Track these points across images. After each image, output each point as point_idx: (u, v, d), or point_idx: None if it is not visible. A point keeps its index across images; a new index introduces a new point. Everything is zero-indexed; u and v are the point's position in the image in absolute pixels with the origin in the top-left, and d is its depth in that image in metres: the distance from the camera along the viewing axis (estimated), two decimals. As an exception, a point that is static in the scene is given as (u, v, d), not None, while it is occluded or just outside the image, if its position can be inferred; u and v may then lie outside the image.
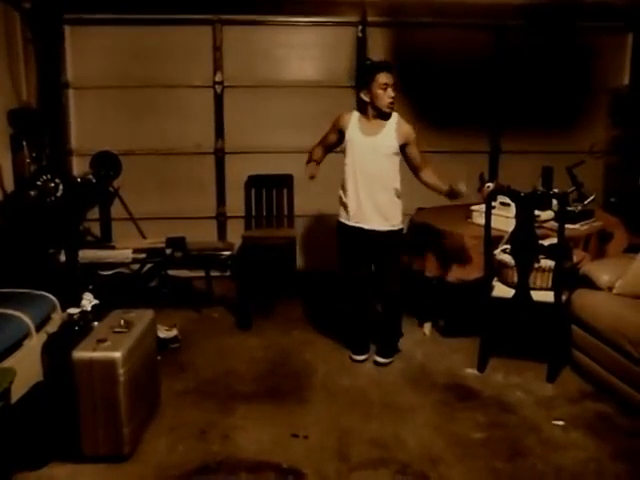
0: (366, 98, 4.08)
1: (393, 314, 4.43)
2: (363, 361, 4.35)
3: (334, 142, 4.27)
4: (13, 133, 5.17)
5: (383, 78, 4.02)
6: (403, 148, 4.13)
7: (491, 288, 4.19)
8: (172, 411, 3.70)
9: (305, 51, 6.18)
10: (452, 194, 4.14)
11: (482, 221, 4.23)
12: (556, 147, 6.20)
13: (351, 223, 4.19)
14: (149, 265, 5.16)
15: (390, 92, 4.05)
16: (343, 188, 4.21)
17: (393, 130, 4.09)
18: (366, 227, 4.15)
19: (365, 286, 4.34)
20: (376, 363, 4.33)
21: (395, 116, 4.13)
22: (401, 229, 4.25)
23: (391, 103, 4.06)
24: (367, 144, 4.08)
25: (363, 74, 4.18)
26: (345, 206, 4.21)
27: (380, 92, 4.02)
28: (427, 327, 4.92)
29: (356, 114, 4.18)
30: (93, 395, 3.10)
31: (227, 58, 6.10)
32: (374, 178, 4.10)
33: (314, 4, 5.99)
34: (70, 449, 3.15)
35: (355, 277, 4.32)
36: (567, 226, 4.10)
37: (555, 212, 4.49)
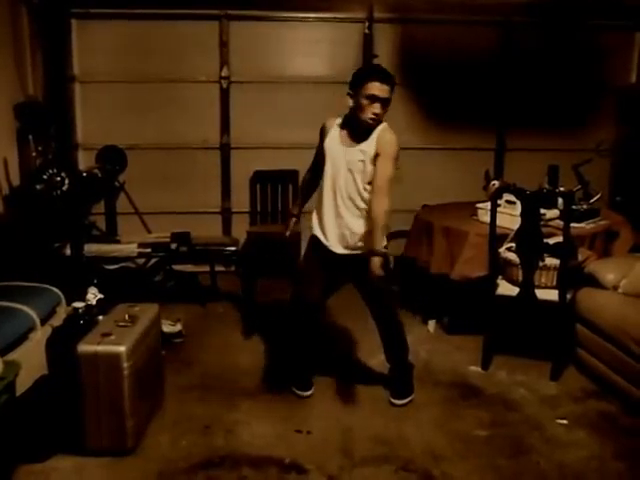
0: (349, 103, 3.45)
1: (393, 344, 3.85)
2: (309, 396, 3.87)
3: (320, 156, 3.63)
4: (19, 127, 5.18)
5: (373, 88, 3.34)
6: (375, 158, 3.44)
7: (496, 286, 4.18)
8: (176, 405, 3.71)
9: (312, 47, 6.17)
10: (371, 254, 3.32)
11: (487, 219, 4.23)
12: (562, 145, 6.19)
13: (323, 240, 3.63)
14: (154, 259, 5.17)
15: (376, 107, 3.37)
16: (317, 202, 3.67)
17: (373, 140, 3.43)
18: (337, 251, 3.60)
19: (315, 314, 3.82)
20: (393, 405, 3.78)
21: (381, 126, 3.48)
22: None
23: (372, 119, 3.39)
24: (341, 155, 3.49)
25: (355, 77, 3.47)
26: (318, 221, 3.66)
27: (365, 103, 3.36)
28: (431, 324, 4.92)
29: (338, 119, 3.57)
30: (97, 389, 3.10)
31: (233, 53, 6.10)
32: (345, 193, 3.50)
33: (321, 0, 5.99)
34: (74, 442, 3.16)
35: (306, 301, 3.74)
36: (573, 225, 4.09)
37: (561, 210, 4.48)
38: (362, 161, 3.45)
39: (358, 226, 3.54)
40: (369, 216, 3.46)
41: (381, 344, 3.88)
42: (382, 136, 3.45)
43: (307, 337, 3.93)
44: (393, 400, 3.80)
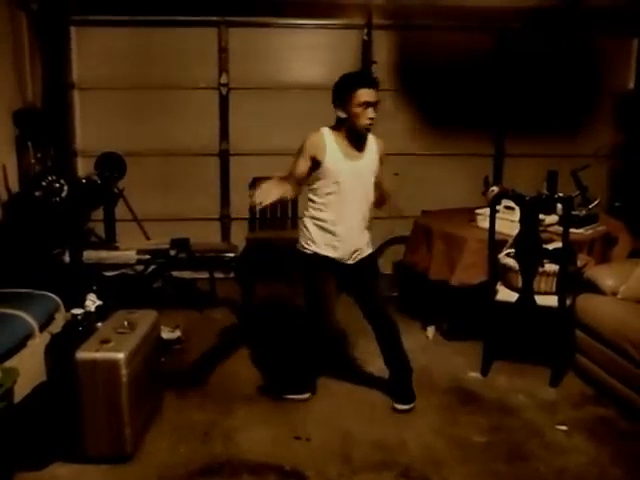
0: (342, 115, 3.45)
1: (392, 347, 3.84)
2: (307, 399, 3.91)
3: (306, 174, 3.54)
4: (18, 134, 5.19)
5: (364, 96, 3.37)
6: None
7: (495, 292, 4.18)
8: (174, 412, 3.70)
9: (311, 53, 6.18)
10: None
11: (486, 225, 4.23)
12: (561, 151, 6.19)
13: (335, 256, 3.60)
14: (153, 266, 5.16)
15: (370, 112, 3.41)
16: (319, 219, 3.58)
17: (374, 149, 3.59)
18: (350, 263, 3.64)
19: (329, 321, 3.78)
20: (397, 410, 3.77)
21: (370, 135, 3.59)
22: (375, 252, 3.86)
23: (370, 124, 3.45)
24: (352, 169, 3.50)
25: (341, 87, 3.48)
26: (327, 239, 3.58)
27: (358, 111, 3.39)
28: (430, 330, 4.92)
29: (327, 133, 3.50)
30: (96, 395, 3.10)
31: (232, 60, 6.11)
32: (358, 206, 3.57)
33: (320, 7, 6.01)
34: (73, 449, 3.15)
35: (329, 322, 3.74)
36: (571, 230, 4.08)
37: (559, 216, 4.48)
38: (374, 171, 3.61)
39: (366, 233, 3.70)
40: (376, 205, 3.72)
41: (378, 349, 3.89)
42: (379, 143, 3.65)
43: (319, 347, 3.90)
44: (398, 405, 3.78)
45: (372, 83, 3.46)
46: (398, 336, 3.82)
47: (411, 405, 3.78)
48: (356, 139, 3.52)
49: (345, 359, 4.47)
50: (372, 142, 3.59)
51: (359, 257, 3.66)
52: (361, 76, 3.58)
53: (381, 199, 3.74)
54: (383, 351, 3.87)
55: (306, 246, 3.63)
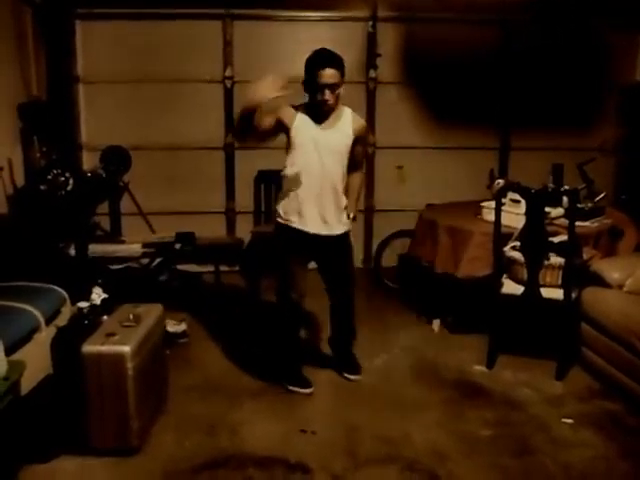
0: (307, 94, 3.56)
1: (346, 327, 4.08)
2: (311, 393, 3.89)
3: (268, 129, 3.57)
4: (23, 127, 5.19)
5: (324, 77, 3.46)
6: (354, 143, 3.67)
7: (500, 285, 4.17)
8: (180, 405, 3.71)
9: (315, 46, 6.09)
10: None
11: (492, 218, 4.22)
12: (566, 144, 6.17)
13: (302, 227, 3.67)
14: (158, 259, 5.16)
15: (327, 95, 3.48)
16: (288, 187, 3.67)
17: (349, 126, 3.62)
18: (320, 233, 3.69)
19: (302, 307, 3.87)
20: (348, 380, 4.03)
21: (349, 109, 3.68)
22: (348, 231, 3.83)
23: (330, 104, 3.51)
24: (323, 138, 3.57)
25: (305, 68, 3.55)
26: (293, 206, 3.66)
27: (318, 93, 3.48)
28: (436, 324, 4.91)
29: (295, 108, 3.62)
30: (102, 389, 3.10)
31: (237, 53, 6.10)
32: (325, 176, 3.60)
33: (325, -1, 6.01)
34: (79, 442, 3.15)
35: (296, 299, 3.79)
36: (577, 223, 4.07)
37: (565, 209, 4.46)
38: (346, 144, 3.63)
39: (338, 209, 3.71)
40: (347, 189, 3.77)
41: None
42: (358, 120, 3.70)
43: (296, 331, 4.00)
44: (348, 375, 4.03)
45: (331, 63, 3.50)
46: (351, 315, 4.04)
47: (359, 377, 4.02)
48: (321, 115, 3.57)
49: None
50: (348, 118, 3.64)
51: (330, 232, 3.71)
52: (323, 56, 3.55)
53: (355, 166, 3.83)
54: (332, 324, 4.07)
55: (278, 217, 3.75)
